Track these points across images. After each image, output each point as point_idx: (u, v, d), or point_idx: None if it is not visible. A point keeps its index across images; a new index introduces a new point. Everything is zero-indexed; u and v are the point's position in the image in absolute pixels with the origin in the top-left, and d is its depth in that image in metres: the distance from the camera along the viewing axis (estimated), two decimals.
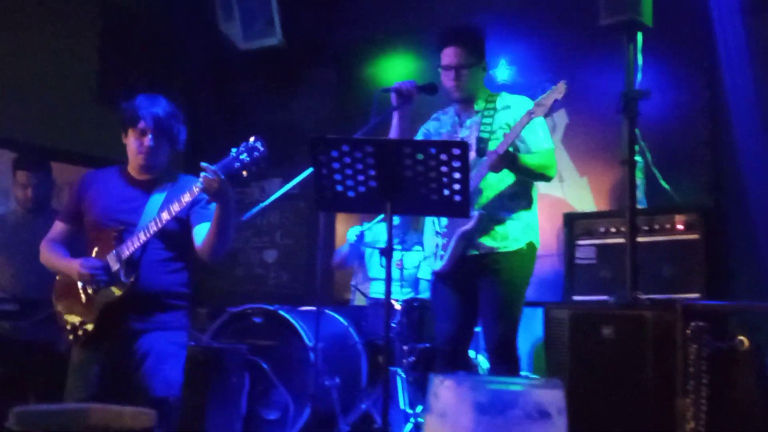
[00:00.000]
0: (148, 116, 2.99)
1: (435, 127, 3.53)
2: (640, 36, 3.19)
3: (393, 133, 3.34)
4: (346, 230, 5.03)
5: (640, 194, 4.22)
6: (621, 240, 3.61)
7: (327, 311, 4.34)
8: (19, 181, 4.25)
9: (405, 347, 4.09)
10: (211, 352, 3.79)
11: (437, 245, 3.40)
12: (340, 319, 4.36)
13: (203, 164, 2.83)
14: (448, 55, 3.34)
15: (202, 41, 5.91)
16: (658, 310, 2.71)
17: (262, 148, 2.88)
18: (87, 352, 2.97)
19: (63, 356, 3.10)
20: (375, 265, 4.81)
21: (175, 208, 2.90)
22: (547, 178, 3.36)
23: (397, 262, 4.41)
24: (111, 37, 5.72)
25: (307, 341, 3.96)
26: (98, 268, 2.94)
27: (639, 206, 3.65)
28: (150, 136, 3.00)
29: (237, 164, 2.86)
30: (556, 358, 2.95)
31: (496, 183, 3.29)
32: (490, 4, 5.04)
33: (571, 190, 4.84)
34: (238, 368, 3.89)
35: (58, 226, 3.17)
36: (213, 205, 2.92)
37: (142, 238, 2.92)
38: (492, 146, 3.28)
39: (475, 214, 3.23)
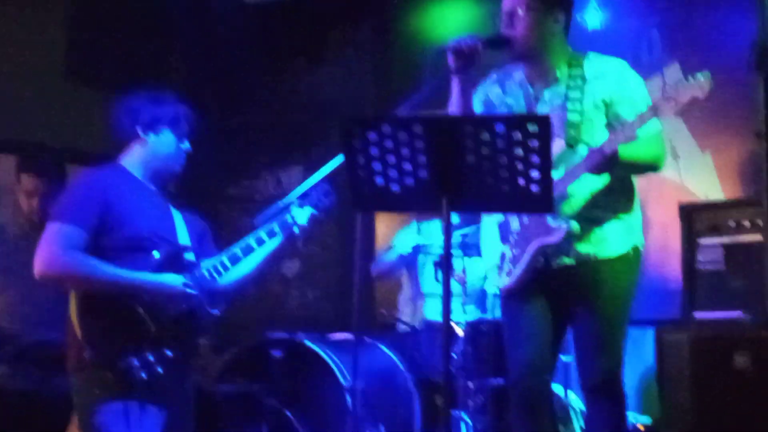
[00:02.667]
0: (188, 118, 3.38)
1: (497, 95, 3.54)
2: None
3: (453, 107, 3.38)
4: (390, 233, 5.10)
5: None
6: (758, 237, 3.59)
7: (367, 339, 4.40)
8: (25, 187, 4.37)
9: (471, 384, 4.13)
10: (219, 398, 3.89)
11: (503, 256, 3.44)
12: (386, 350, 4.42)
13: (300, 200, 3.33)
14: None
15: None
16: None
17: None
18: (151, 397, 3.15)
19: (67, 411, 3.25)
20: (429, 277, 4.86)
21: (264, 236, 3.32)
22: (655, 170, 3.37)
23: (458, 274, 4.45)
24: (79, 6, 5.86)
25: (342, 380, 4.03)
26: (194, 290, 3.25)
27: None
28: (187, 141, 3.38)
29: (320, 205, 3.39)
30: (674, 396, 2.97)
31: (587, 181, 3.30)
32: None
33: (690, 170, 4.83)
34: (254, 418, 3.98)
35: (77, 234, 3.20)
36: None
37: (228, 264, 3.30)
38: (585, 133, 3.29)
39: (562, 225, 3.25)
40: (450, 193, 2.59)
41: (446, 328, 2.61)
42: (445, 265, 2.64)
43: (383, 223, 5.82)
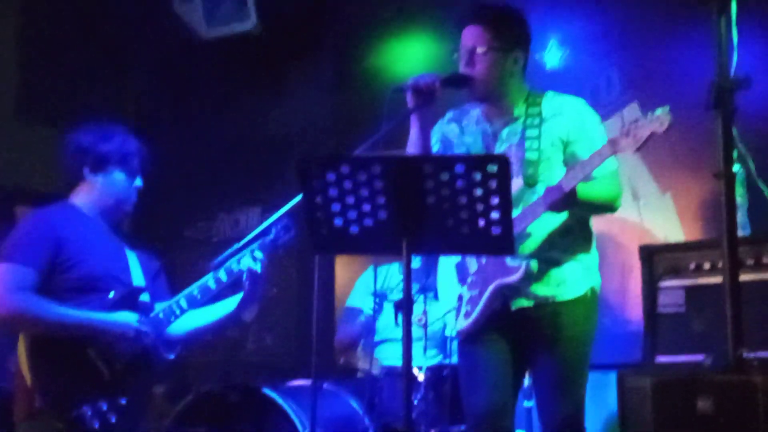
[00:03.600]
0: (137, 154, 3.38)
1: (454, 134, 3.55)
2: (734, 5, 3.22)
3: (411, 146, 3.38)
4: (350, 275, 5.05)
5: (742, 217, 4.23)
6: (718, 279, 3.60)
7: (327, 386, 4.36)
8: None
9: (432, 431, 4.09)
10: None
11: (461, 298, 3.42)
12: (346, 396, 4.37)
13: (254, 247, 3.33)
14: (465, 36, 3.39)
15: (151, 29, 6.00)
16: None
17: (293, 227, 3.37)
18: None
19: None
20: (387, 321, 4.83)
21: (211, 285, 3.34)
22: (611, 211, 3.41)
23: (419, 317, 4.43)
24: (33, 33, 5.80)
25: (300, 428, 3.97)
26: (146, 333, 3.23)
27: (741, 233, 3.66)
28: (140, 179, 3.39)
29: (280, 242, 3.42)
30: None
31: (544, 220, 3.31)
32: None
33: (651, 211, 4.85)
34: None
35: (28, 274, 3.18)
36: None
37: (184, 306, 3.29)
38: (543, 171, 3.31)
39: (521, 264, 3.24)
40: (410, 235, 2.59)
41: (407, 374, 2.59)
42: (405, 308, 2.62)
43: (342, 265, 5.78)
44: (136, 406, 3.15)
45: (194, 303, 3.32)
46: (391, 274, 4.90)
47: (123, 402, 3.06)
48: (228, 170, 6.13)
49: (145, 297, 3.31)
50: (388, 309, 4.78)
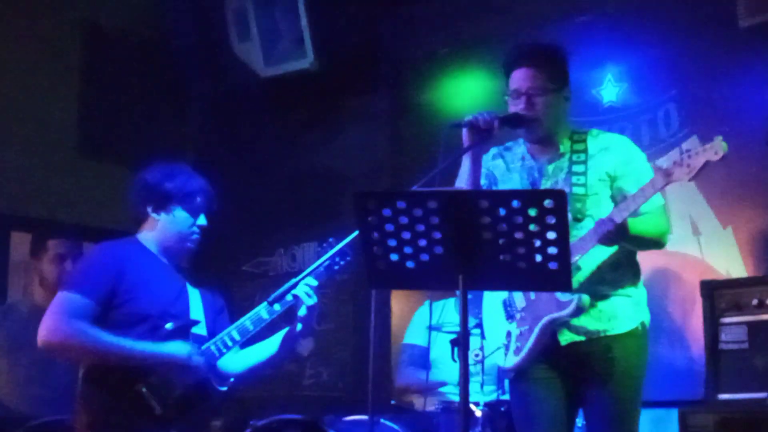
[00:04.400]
0: (202, 192, 3.42)
1: (501, 170, 3.57)
2: None
3: (464, 182, 3.40)
4: (406, 310, 5.06)
5: None
6: None
7: (384, 422, 4.35)
8: (53, 252, 4.53)
9: None
10: None
11: (509, 334, 3.41)
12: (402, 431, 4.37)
13: (308, 279, 3.31)
14: (519, 79, 3.40)
15: (210, 69, 6.10)
16: None
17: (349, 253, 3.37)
18: None
19: None
20: (444, 357, 4.82)
21: (264, 315, 3.37)
22: (660, 246, 3.39)
23: (475, 352, 4.41)
24: (95, 69, 5.94)
25: None
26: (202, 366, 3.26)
27: None
28: (204, 217, 3.43)
29: (336, 267, 3.44)
30: None
31: (594, 254, 3.30)
32: (591, 2, 5.11)
33: (712, 246, 4.79)
34: None
35: (83, 304, 3.20)
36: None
37: (236, 338, 3.32)
38: (591, 206, 3.31)
39: (573, 297, 3.23)
40: (466, 270, 2.59)
41: (464, 409, 2.59)
42: (462, 343, 2.62)
43: (398, 299, 5.79)
44: None
45: (246, 334, 3.33)
46: (447, 310, 4.89)
47: None
48: (286, 206, 6.19)
49: (201, 330, 3.34)
50: (444, 344, 4.76)
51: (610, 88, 5.14)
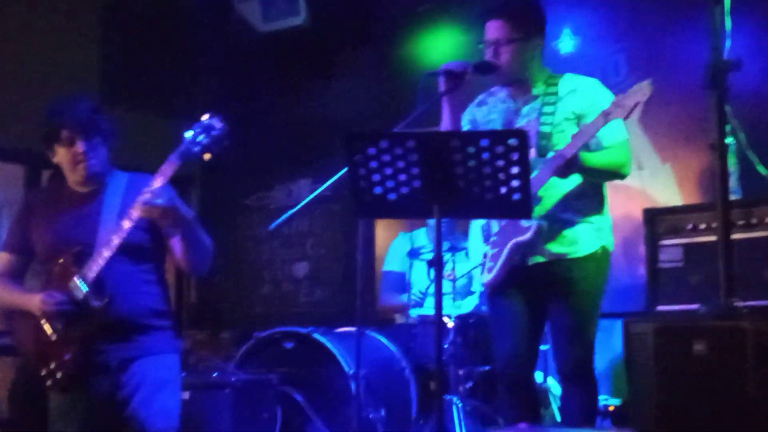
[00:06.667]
0: (68, 122, 2.96)
1: (482, 114, 3.55)
2: None
3: (444, 124, 3.39)
4: (388, 234, 5.07)
5: (733, 183, 4.18)
6: (712, 238, 3.58)
7: (369, 333, 4.40)
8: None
9: (461, 372, 4.12)
10: (238, 385, 3.88)
11: (485, 255, 3.43)
12: (385, 341, 4.41)
13: (144, 194, 2.82)
14: (488, 29, 3.38)
15: (214, 25, 6.04)
16: (759, 319, 2.70)
17: (220, 125, 2.97)
18: (69, 396, 2.98)
19: None
20: (421, 277, 4.85)
21: (135, 214, 2.87)
22: (620, 177, 3.37)
23: (449, 273, 4.44)
24: (113, 29, 5.88)
25: (346, 368, 4.02)
26: (63, 299, 2.92)
27: (733, 197, 3.62)
28: (80, 142, 2.97)
29: (196, 148, 2.93)
30: (640, 380, 2.95)
31: (558, 185, 3.30)
32: None
33: (652, 179, 4.82)
34: (269, 402, 3.97)
35: (4, 258, 3.13)
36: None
37: (106, 254, 2.89)
38: (556, 143, 3.29)
39: (533, 224, 3.24)
40: (441, 201, 2.60)
41: (438, 321, 2.62)
42: (437, 265, 2.65)
43: (381, 229, 5.81)
44: (85, 357, 2.93)
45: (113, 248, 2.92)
46: (418, 237, 4.90)
47: (67, 357, 2.92)
48: (283, 147, 6.17)
49: (87, 254, 2.96)
50: (421, 266, 4.80)
51: (566, 41, 5.12)
